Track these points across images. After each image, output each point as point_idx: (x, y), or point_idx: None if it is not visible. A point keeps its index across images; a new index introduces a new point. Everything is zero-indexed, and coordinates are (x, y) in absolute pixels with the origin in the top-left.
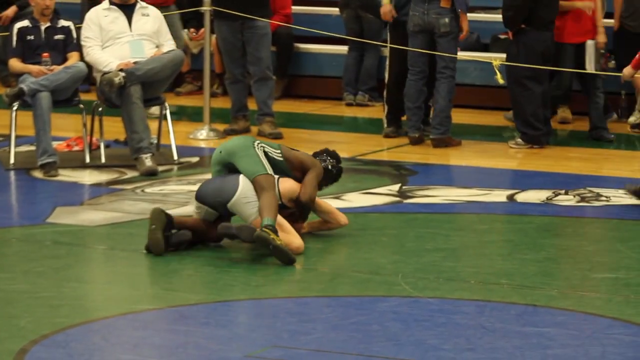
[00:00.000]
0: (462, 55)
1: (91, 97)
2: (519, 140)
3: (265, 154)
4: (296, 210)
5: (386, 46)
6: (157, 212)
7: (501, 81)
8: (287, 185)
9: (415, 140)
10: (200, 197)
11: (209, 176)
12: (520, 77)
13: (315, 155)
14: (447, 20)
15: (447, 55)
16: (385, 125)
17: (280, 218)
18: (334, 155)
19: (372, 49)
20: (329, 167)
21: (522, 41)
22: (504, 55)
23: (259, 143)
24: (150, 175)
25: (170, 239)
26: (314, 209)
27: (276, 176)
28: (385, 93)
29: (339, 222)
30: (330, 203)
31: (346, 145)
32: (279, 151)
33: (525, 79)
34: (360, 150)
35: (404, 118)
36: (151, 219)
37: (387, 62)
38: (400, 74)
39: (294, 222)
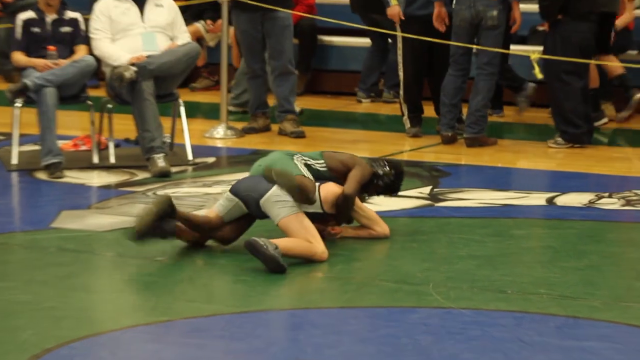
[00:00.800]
0: (498, 49)
1: (100, 93)
2: (559, 139)
3: (308, 166)
4: (335, 213)
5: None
6: (162, 198)
7: (539, 76)
8: (330, 188)
9: (448, 139)
10: (234, 189)
11: (225, 177)
12: (559, 72)
13: (373, 160)
14: (495, 12)
15: (490, 50)
16: (409, 125)
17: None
18: (394, 164)
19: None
20: (380, 172)
21: (558, 33)
22: (541, 49)
23: (298, 156)
24: (163, 176)
25: (160, 227)
26: (354, 212)
27: (317, 183)
28: (402, 92)
29: (382, 232)
30: None
31: (372, 145)
32: (321, 161)
33: (564, 73)
34: (387, 150)
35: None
36: (153, 202)
37: (400, 61)
38: (416, 72)
39: (325, 223)
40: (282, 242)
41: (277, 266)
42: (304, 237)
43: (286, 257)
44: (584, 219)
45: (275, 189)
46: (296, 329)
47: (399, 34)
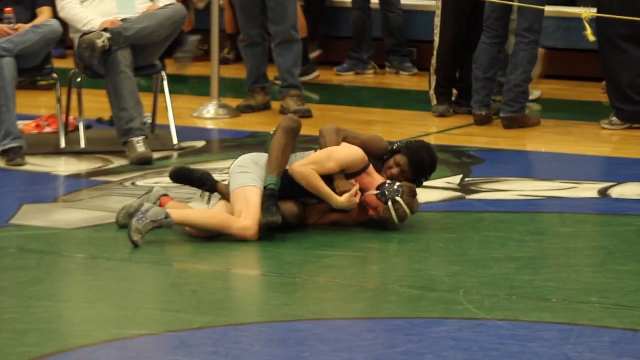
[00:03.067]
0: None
1: (67, 64)
2: (614, 119)
3: None
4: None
5: None
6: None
7: (592, 38)
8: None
9: (482, 119)
10: None
11: (217, 165)
12: (614, 37)
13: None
14: None
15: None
16: (436, 101)
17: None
18: (414, 147)
19: (394, 2)
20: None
21: None
22: (594, 10)
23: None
24: (144, 164)
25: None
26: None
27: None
28: (433, 61)
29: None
30: None
31: (390, 127)
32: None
33: (620, 39)
34: (409, 133)
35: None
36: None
37: (438, 22)
38: (456, 36)
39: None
40: (184, 213)
41: (129, 239)
42: (238, 210)
43: (189, 226)
44: None
45: (242, 158)
46: (301, 345)
47: None
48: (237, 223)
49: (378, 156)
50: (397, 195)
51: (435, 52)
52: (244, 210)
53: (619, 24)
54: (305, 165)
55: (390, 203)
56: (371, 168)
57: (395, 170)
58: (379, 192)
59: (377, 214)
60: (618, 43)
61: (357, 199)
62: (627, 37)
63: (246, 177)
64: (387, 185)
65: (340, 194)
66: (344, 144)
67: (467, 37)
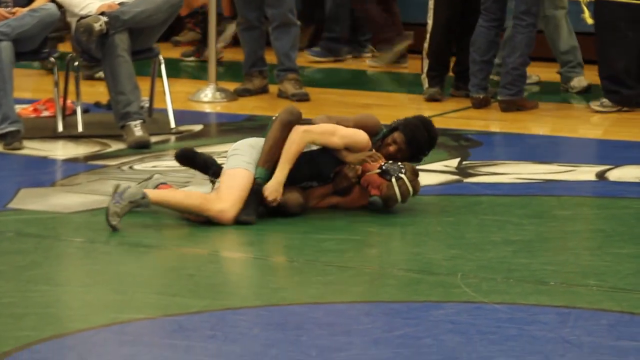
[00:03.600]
0: None
1: (65, 48)
2: (605, 100)
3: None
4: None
5: None
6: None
7: (590, 21)
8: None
9: (480, 102)
10: None
11: (215, 149)
12: (615, 19)
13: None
14: None
15: None
16: (427, 84)
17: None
18: (413, 121)
19: None
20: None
21: None
22: None
23: None
24: (141, 147)
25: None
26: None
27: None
28: (426, 44)
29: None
30: None
31: (387, 110)
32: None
33: (622, 21)
34: (404, 115)
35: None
36: None
37: (431, 4)
38: (449, 19)
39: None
40: (162, 193)
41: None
42: (221, 191)
43: (167, 208)
44: None
45: (239, 142)
46: (298, 329)
47: None
48: (215, 205)
49: (373, 133)
50: (400, 172)
51: (428, 35)
52: (226, 192)
53: (619, 6)
54: (307, 132)
55: (393, 179)
56: (374, 151)
57: (392, 148)
58: (381, 170)
59: (380, 192)
60: (620, 25)
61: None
62: (628, 19)
63: (239, 159)
64: (389, 163)
65: (349, 183)
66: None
67: (461, 20)
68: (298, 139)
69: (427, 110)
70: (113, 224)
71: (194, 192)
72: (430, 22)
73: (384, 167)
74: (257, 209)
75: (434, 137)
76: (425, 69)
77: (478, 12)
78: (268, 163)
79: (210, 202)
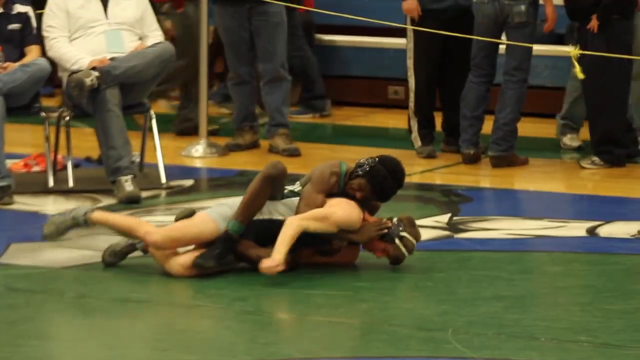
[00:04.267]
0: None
1: (56, 102)
2: (596, 159)
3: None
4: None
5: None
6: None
7: (581, 75)
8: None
9: (470, 157)
10: None
11: (206, 204)
12: (609, 79)
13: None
14: (523, 8)
15: (519, 51)
16: (420, 143)
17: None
18: (386, 160)
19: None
20: (367, 168)
21: (614, 33)
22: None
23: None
24: (132, 202)
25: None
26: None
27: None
28: (411, 103)
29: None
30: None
31: None
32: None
33: (614, 80)
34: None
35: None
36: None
37: (411, 65)
38: (429, 79)
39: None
40: (104, 215)
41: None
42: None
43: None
44: (632, 253)
45: (228, 199)
46: None
47: (409, 27)
48: (144, 228)
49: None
50: (401, 231)
51: (412, 95)
52: (168, 226)
53: (607, 62)
54: (303, 219)
55: (397, 240)
56: (366, 214)
57: (358, 195)
58: (382, 235)
59: (386, 254)
60: (612, 84)
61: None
62: (620, 78)
63: (215, 208)
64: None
65: (338, 249)
66: (343, 203)
67: (440, 75)
68: (294, 233)
69: (418, 166)
70: (45, 232)
71: (132, 217)
72: (411, 80)
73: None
74: (221, 256)
75: (400, 183)
76: (416, 128)
77: (457, 66)
78: (242, 216)
79: (142, 225)
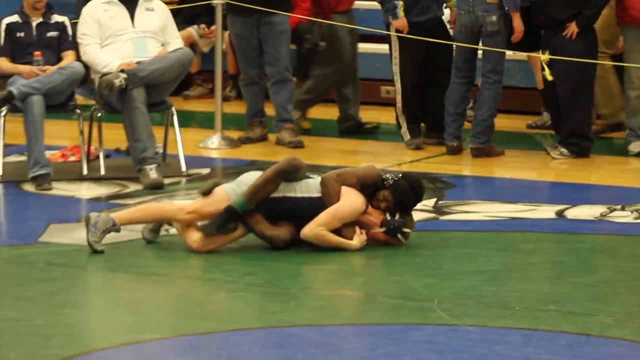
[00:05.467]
0: (501, 55)
1: (89, 101)
2: (564, 150)
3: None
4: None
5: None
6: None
7: (550, 78)
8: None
9: (454, 149)
10: None
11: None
12: (588, 80)
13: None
14: (494, 18)
15: (493, 57)
16: (409, 137)
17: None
18: (409, 176)
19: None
20: (391, 182)
21: (589, 39)
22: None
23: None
24: (156, 188)
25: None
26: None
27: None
28: (399, 103)
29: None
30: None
31: (373, 156)
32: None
33: (589, 81)
34: (388, 161)
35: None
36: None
37: (397, 71)
38: (415, 83)
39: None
40: (127, 216)
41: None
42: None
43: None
44: (596, 233)
45: (245, 174)
46: (295, 347)
47: (392, 33)
48: (176, 213)
49: (373, 184)
50: (403, 227)
51: (400, 97)
52: (186, 205)
53: (593, 66)
54: (317, 228)
55: (399, 235)
56: (369, 207)
57: (382, 205)
58: (385, 229)
59: (388, 243)
60: (589, 85)
61: (364, 237)
62: (592, 79)
63: (231, 184)
64: (389, 220)
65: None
66: (345, 198)
67: (425, 76)
68: (324, 237)
69: (408, 156)
70: (100, 250)
71: (152, 204)
72: (398, 85)
73: (387, 226)
74: (222, 225)
75: (420, 197)
76: (405, 124)
77: (438, 68)
78: (250, 195)
79: (170, 212)
